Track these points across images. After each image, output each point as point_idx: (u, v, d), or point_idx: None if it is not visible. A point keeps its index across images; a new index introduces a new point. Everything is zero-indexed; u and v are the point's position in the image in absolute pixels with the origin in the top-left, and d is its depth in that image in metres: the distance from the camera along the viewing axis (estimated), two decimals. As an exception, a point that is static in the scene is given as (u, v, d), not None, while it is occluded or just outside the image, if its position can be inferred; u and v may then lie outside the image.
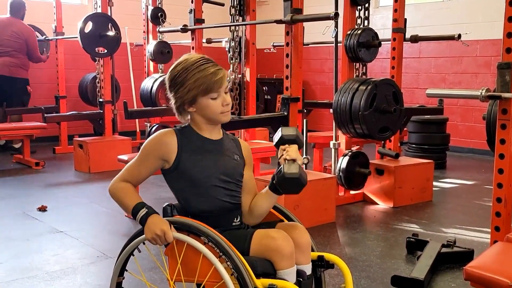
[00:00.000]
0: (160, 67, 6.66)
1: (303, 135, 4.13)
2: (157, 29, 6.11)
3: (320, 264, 1.85)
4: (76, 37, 5.67)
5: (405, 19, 4.60)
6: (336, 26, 4.11)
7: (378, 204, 4.37)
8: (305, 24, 4.37)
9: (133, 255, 1.85)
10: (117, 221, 3.83)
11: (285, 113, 3.84)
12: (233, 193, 1.83)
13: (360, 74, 4.57)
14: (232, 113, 4.52)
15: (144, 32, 6.89)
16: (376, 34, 4.32)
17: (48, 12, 6.84)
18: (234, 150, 1.88)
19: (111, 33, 5.72)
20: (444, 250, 3.02)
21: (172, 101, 1.80)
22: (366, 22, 4.42)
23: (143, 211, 1.71)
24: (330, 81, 8.20)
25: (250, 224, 1.89)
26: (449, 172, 5.83)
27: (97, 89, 6.32)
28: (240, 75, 4.74)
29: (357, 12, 4.38)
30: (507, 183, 2.51)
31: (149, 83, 6.28)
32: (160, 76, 6.23)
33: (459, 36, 4.70)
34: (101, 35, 5.71)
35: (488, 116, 2.73)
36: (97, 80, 6.31)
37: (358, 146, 4.65)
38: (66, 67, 6.97)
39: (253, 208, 1.87)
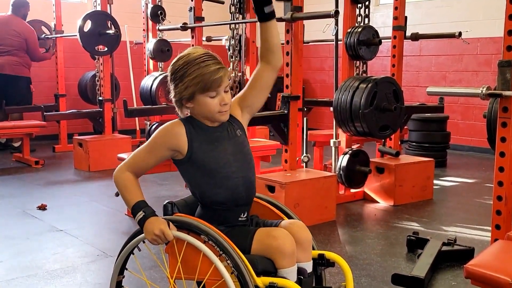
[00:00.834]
0: (160, 65, 6.65)
1: (303, 133, 4.14)
2: (157, 27, 6.10)
3: (321, 262, 1.86)
4: (76, 35, 5.66)
5: (406, 17, 4.59)
6: (337, 24, 4.11)
7: (378, 203, 4.37)
8: (305, 22, 4.36)
9: (133, 254, 1.85)
10: (117, 220, 3.83)
11: (285, 111, 3.84)
12: (247, 174, 1.81)
13: (361, 72, 4.57)
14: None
15: (143, 30, 6.88)
16: (376, 32, 4.32)
17: (47, 10, 6.84)
18: (233, 124, 1.85)
19: (110, 31, 5.72)
20: (444, 248, 3.02)
21: (172, 94, 1.79)
22: (366, 20, 4.41)
23: (140, 214, 1.72)
24: (330, 79, 8.20)
25: (278, 64, 1.83)
26: (449, 170, 5.83)
27: (97, 88, 6.32)
28: (240, 73, 4.73)
29: (357, 10, 4.38)
30: (508, 181, 2.51)
31: (149, 81, 6.28)
32: (160, 74, 6.22)
33: (460, 34, 4.69)
34: (100, 33, 5.71)
35: (488, 114, 2.74)
36: (96, 78, 6.31)
37: (359, 145, 4.65)
38: (66, 65, 6.96)
39: (264, 46, 1.81)
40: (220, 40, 5.68)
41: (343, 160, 4.20)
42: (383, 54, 6.43)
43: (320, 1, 6.43)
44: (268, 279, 1.64)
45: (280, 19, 3.69)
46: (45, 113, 5.79)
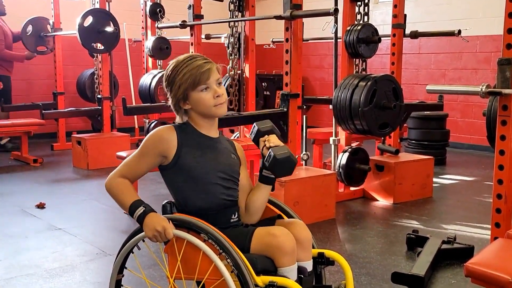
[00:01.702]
0: (159, 63, 6.65)
1: (303, 131, 4.14)
2: (156, 25, 6.11)
3: (321, 261, 1.86)
4: (75, 33, 5.65)
5: (405, 15, 4.59)
6: (336, 22, 4.10)
7: (378, 201, 4.37)
8: (304, 19, 4.36)
9: (133, 253, 1.85)
10: (116, 218, 3.83)
11: (285, 109, 3.83)
12: (230, 191, 1.83)
13: (360, 70, 4.56)
14: (232, 109, 4.51)
15: (142, 28, 6.88)
16: (376, 30, 4.32)
17: (46, 7, 6.82)
18: (230, 149, 1.90)
19: (110, 29, 5.70)
20: (444, 246, 3.02)
21: (169, 101, 1.81)
22: (366, 17, 4.41)
23: (140, 210, 1.71)
24: (330, 77, 8.20)
25: (249, 222, 1.89)
26: (449, 168, 5.83)
27: (95, 85, 6.31)
28: (240, 71, 4.73)
29: (356, 8, 4.37)
30: (508, 179, 2.51)
31: (148, 79, 6.28)
32: (159, 72, 6.22)
33: (459, 32, 4.69)
34: (99, 31, 5.69)
35: (488, 112, 2.74)
36: (95, 76, 6.30)
37: (358, 142, 4.65)
38: (64, 63, 6.95)
39: (248, 204, 1.88)
40: (219, 38, 5.68)
41: (343, 158, 4.20)
42: (382, 52, 6.43)
43: (319, -2, 6.42)
44: (268, 278, 1.64)
45: (279, 17, 3.69)
46: (43, 111, 5.78)
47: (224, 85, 3.65)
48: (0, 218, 3.82)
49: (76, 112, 6.36)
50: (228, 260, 1.61)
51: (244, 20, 4.61)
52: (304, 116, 4.17)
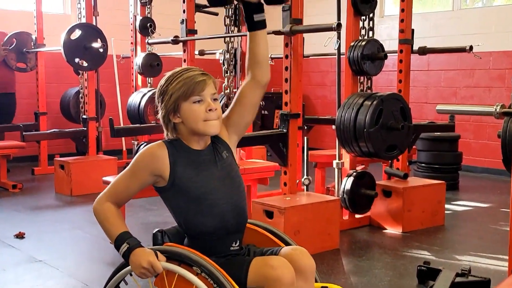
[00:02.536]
0: (149, 81, 6.68)
1: (303, 153, 4.14)
2: (146, 41, 6.14)
3: (324, 295, 1.84)
4: (59, 49, 5.69)
5: (413, 30, 4.63)
6: (339, 37, 4.15)
7: (385, 229, 4.35)
8: (305, 34, 4.40)
9: None
10: (101, 248, 3.80)
11: (284, 130, 3.85)
12: (235, 203, 1.82)
13: (365, 88, 4.59)
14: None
15: (131, 43, 6.92)
16: (381, 45, 4.36)
17: (28, 22, 6.87)
18: (218, 145, 1.88)
19: (97, 44, 5.74)
20: (458, 279, 3.00)
21: (159, 113, 1.82)
22: (370, 33, 4.46)
23: (124, 247, 1.71)
24: (332, 96, 8.25)
25: (264, 77, 1.87)
26: (462, 194, 5.83)
27: (81, 105, 6.32)
28: (236, 89, 4.75)
29: (361, 22, 4.42)
30: (526, 206, 2.51)
31: (137, 98, 6.29)
32: (149, 91, 6.24)
33: (471, 47, 4.73)
34: (86, 47, 5.72)
35: (503, 133, 2.74)
36: (80, 95, 6.31)
37: (363, 166, 4.65)
38: (47, 81, 6.98)
39: (254, 57, 1.87)
40: (214, 54, 5.72)
41: (347, 183, 4.20)
42: (389, 69, 6.47)
43: (321, 12, 6.51)
44: (266, 314, 1.62)
45: (278, 32, 3.72)
46: (24, 133, 5.78)
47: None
48: (-25, 249, 3.80)
49: (60, 134, 6.36)
50: (223, 295, 1.60)
51: (241, 36, 4.66)
52: (305, 138, 4.18)
